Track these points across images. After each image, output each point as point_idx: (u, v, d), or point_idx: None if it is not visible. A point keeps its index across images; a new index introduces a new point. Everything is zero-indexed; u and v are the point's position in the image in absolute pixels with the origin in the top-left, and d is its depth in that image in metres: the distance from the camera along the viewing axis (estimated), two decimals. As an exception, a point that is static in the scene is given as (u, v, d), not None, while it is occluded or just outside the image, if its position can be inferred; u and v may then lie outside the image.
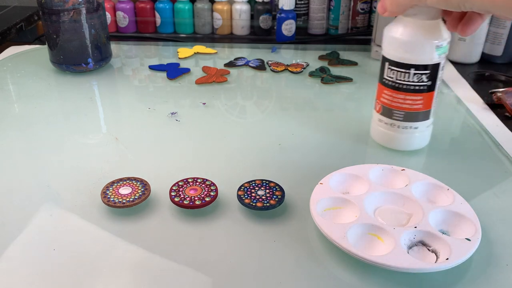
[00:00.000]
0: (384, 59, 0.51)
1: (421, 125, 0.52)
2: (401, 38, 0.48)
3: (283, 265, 0.38)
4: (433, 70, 0.49)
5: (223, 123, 0.62)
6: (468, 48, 0.81)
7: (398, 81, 0.50)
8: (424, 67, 0.48)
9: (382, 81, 0.52)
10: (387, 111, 0.52)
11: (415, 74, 0.49)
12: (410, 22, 0.48)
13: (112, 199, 0.44)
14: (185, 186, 0.46)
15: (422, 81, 0.49)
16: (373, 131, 0.56)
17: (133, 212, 0.44)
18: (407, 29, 0.48)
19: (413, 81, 0.49)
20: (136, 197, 0.44)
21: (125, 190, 0.45)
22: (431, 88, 0.50)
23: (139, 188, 0.45)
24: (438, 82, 0.50)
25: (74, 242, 0.41)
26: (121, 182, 0.46)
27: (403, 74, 0.49)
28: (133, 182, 0.46)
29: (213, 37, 0.96)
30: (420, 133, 0.53)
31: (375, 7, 0.93)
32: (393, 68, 0.50)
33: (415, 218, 0.41)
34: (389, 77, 0.50)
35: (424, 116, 0.52)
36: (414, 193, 0.44)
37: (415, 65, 0.48)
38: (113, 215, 0.44)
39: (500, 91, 0.67)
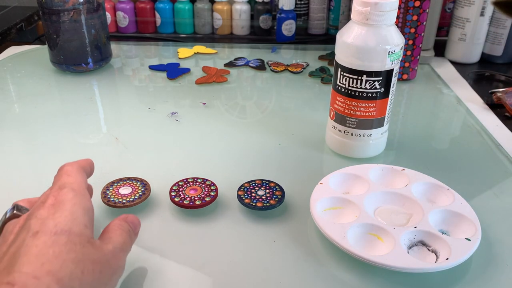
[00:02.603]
0: (337, 65, 0.50)
1: (375, 133, 0.51)
2: (353, 43, 0.47)
3: (283, 265, 0.39)
4: (386, 76, 0.48)
5: (223, 123, 0.62)
6: (468, 48, 0.81)
7: (350, 88, 0.49)
8: (377, 73, 0.47)
9: (335, 88, 0.51)
10: (340, 118, 0.51)
11: (367, 81, 0.48)
12: (362, 28, 0.47)
13: (112, 199, 0.44)
14: (185, 186, 0.46)
15: (375, 88, 0.48)
16: (328, 138, 0.55)
17: (133, 212, 0.44)
18: (359, 34, 0.47)
19: (365, 88, 0.48)
20: (136, 197, 0.44)
21: (125, 190, 0.45)
22: (384, 95, 0.49)
23: (139, 188, 0.45)
24: (392, 89, 0.49)
25: (74, 242, 0.41)
26: (121, 182, 0.46)
27: (355, 80, 0.48)
28: (133, 182, 0.46)
29: (213, 37, 0.96)
30: (374, 141, 0.52)
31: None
32: (345, 74, 0.49)
33: (415, 218, 0.41)
34: (342, 83, 0.49)
35: (378, 123, 0.51)
36: (414, 193, 0.44)
37: (367, 71, 0.47)
38: (113, 215, 0.44)
39: (500, 91, 0.67)
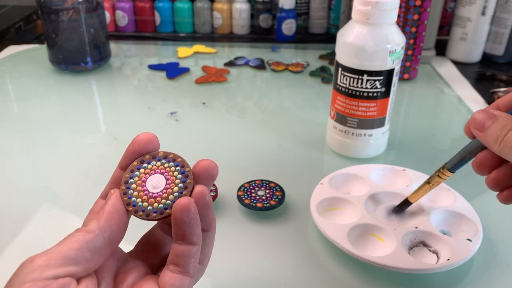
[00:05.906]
0: (338, 65, 0.49)
1: (376, 133, 0.51)
2: (353, 43, 0.46)
3: (283, 266, 0.38)
4: (387, 76, 0.47)
5: (223, 123, 0.61)
6: (469, 47, 0.81)
7: (351, 88, 0.48)
8: (377, 73, 0.47)
9: (336, 87, 0.50)
10: (341, 118, 0.51)
11: (368, 80, 0.47)
12: (362, 27, 0.46)
13: (136, 203, 0.30)
14: (184, 186, 0.45)
15: (376, 88, 0.48)
16: (328, 137, 0.55)
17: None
18: (360, 34, 0.46)
19: (366, 88, 0.48)
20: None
21: (155, 180, 0.30)
22: (385, 95, 0.49)
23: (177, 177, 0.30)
24: (392, 88, 0.49)
25: (73, 243, 0.40)
26: (150, 163, 0.31)
27: (356, 80, 0.48)
28: (167, 163, 0.32)
29: (213, 36, 0.96)
30: (375, 141, 0.51)
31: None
32: (346, 74, 0.48)
33: (416, 219, 0.41)
34: (343, 83, 0.49)
35: (379, 123, 0.50)
36: (415, 193, 0.44)
37: (368, 71, 0.47)
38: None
39: (501, 91, 0.67)
